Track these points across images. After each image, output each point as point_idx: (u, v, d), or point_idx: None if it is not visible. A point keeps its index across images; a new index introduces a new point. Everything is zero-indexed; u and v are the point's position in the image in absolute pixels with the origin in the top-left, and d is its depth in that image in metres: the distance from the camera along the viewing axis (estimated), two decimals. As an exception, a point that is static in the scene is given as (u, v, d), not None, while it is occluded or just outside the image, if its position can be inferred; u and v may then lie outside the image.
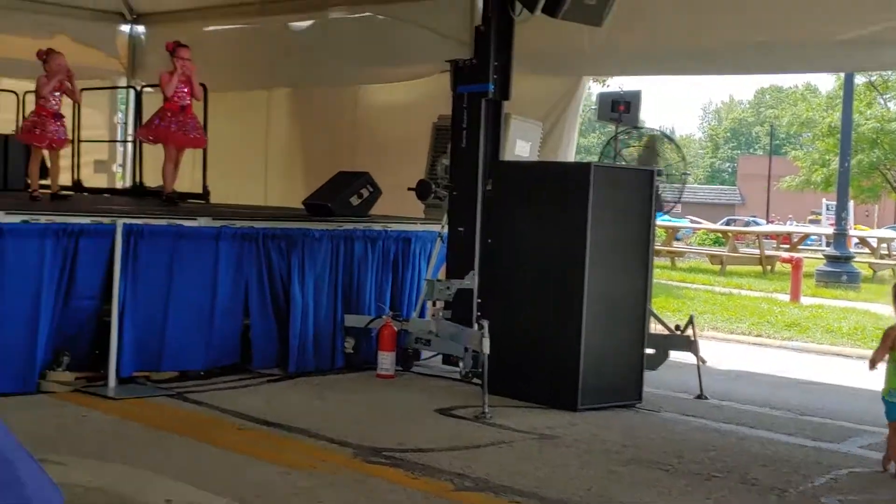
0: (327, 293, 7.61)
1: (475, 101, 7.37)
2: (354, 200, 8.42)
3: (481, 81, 7.33)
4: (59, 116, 8.68)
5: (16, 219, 6.27)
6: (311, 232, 7.59)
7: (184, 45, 8.75)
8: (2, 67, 12.38)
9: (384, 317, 7.49)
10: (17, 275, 6.23)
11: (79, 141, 11.72)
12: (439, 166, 8.44)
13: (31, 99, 12.34)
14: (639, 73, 10.03)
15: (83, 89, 11.65)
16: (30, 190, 8.69)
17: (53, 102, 8.61)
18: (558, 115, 9.71)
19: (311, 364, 7.43)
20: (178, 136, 8.61)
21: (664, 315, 9.39)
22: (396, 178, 8.63)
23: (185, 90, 8.57)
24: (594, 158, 15.96)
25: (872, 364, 5.29)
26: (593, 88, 10.01)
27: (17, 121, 12.17)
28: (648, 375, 7.01)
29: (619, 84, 10.53)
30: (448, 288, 7.31)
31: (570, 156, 9.78)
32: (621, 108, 9.59)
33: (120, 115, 13.78)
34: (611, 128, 9.91)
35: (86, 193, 11.46)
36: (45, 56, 8.62)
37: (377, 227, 8.05)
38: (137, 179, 11.44)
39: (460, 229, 7.46)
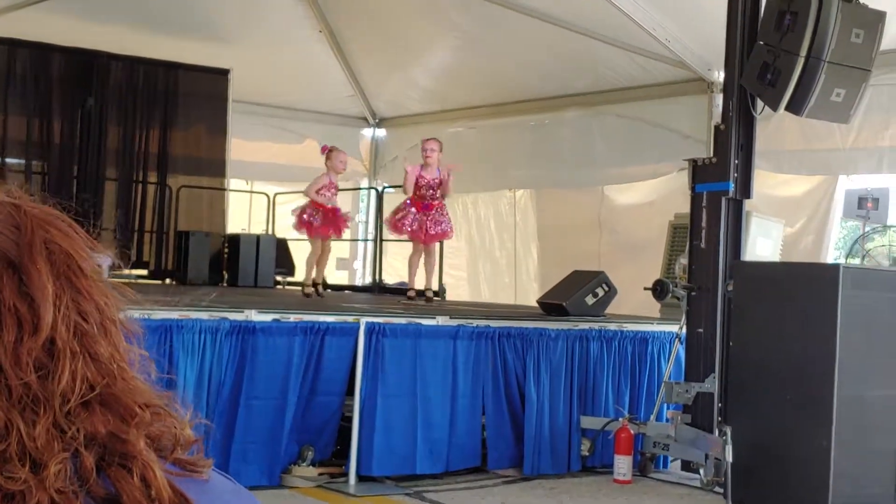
0: (563, 394, 7.55)
1: (714, 199, 7.22)
2: (589, 300, 8.37)
3: (721, 180, 7.18)
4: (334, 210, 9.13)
5: (268, 317, 6.59)
6: (547, 331, 7.58)
7: (431, 139, 9.05)
8: (256, 171, 13.21)
9: (621, 419, 7.36)
10: (267, 371, 6.51)
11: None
12: (677, 266, 8.31)
13: (280, 200, 13.11)
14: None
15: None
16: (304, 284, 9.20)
17: (329, 197, 9.09)
18: (816, 215, 9.43)
19: (547, 466, 7.35)
20: (419, 234, 8.85)
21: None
22: (633, 278, 8.55)
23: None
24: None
25: None
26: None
27: (268, 221, 12.91)
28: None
29: (865, 181, 10.07)
30: (687, 391, 7.11)
31: (829, 257, 9.41)
32: (869, 205, 9.21)
33: (360, 214, 14.34)
34: (855, 224, 9.55)
35: (329, 290, 11.95)
36: (329, 152, 9.11)
37: (613, 326, 7.96)
38: (377, 277, 11.84)
39: (699, 330, 7.27)
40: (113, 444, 0.91)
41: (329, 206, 9.09)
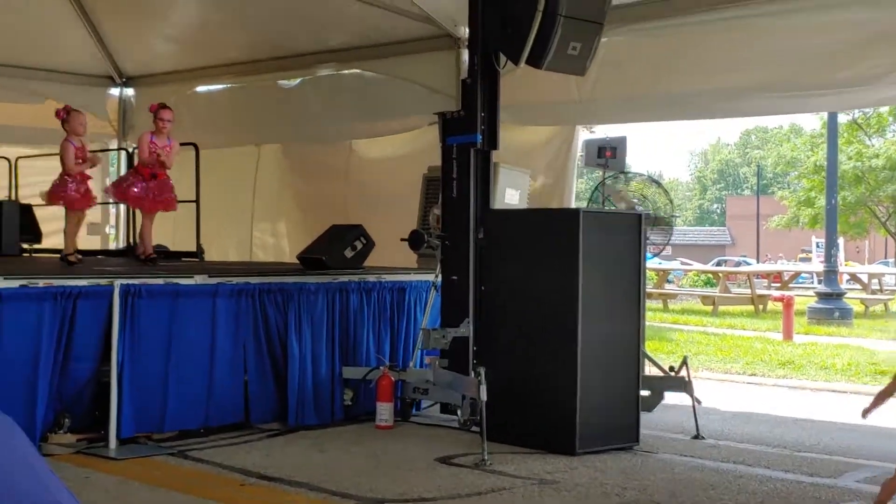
0: (325, 346, 7.66)
1: (464, 151, 7.48)
2: (348, 253, 8.49)
3: (469, 132, 7.44)
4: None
5: (14, 283, 6.34)
6: (307, 285, 7.66)
7: (166, 107, 8.75)
8: (-5, 135, 12.54)
9: (382, 368, 7.55)
10: (16, 339, 6.27)
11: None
12: (431, 216, 8.56)
13: (23, 164, 12.51)
14: (629, 120, 10.14)
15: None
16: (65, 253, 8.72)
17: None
18: (557, 164, 9.85)
19: (311, 417, 7.47)
20: (146, 201, 8.66)
21: (658, 357, 9.48)
22: (390, 230, 8.73)
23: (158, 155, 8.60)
24: (583, 203, 16.09)
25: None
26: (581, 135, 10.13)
27: (10, 187, 12.29)
28: (645, 417, 7.08)
29: (604, 131, 10.66)
30: (444, 336, 7.37)
31: (571, 202, 9.86)
32: (608, 154, 9.75)
33: (111, 177, 13.85)
34: (598, 173, 10.08)
35: (80, 256, 11.52)
36: (66, 115, 8.56)
37: (371, 278, 8.13)
38: (131, 240, 11.53)
39: (454, 278, 7.54)
40: None
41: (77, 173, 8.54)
